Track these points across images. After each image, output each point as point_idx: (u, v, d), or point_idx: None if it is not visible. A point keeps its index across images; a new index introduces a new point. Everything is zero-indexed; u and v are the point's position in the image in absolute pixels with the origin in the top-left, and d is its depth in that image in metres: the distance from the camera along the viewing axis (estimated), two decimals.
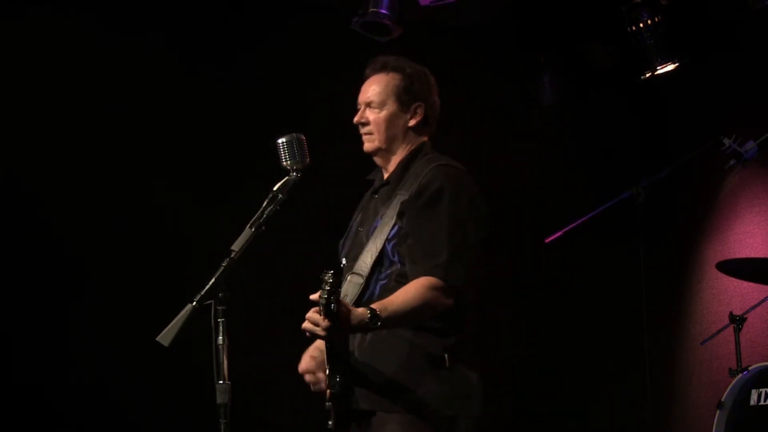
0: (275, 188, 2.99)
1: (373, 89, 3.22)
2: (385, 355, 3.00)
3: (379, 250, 3.04)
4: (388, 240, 3.05)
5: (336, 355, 2.98)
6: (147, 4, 5.45)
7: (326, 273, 2.64)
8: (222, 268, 2.81)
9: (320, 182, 3.82)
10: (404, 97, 3.19)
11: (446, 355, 2.99)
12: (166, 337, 2.74)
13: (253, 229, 2.90)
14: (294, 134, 3.04)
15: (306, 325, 2.80)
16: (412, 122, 3.21)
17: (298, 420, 3.38)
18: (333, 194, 3.86)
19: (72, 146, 5.23)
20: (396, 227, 3.05)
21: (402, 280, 2.99)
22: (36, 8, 5.21)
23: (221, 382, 2.76)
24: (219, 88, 5.54)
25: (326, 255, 3.27)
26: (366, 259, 3.07)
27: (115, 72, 5.33)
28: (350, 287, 3.06)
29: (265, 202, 2.96)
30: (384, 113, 3.20)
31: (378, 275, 3.06)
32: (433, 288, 2.91)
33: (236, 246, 2.86)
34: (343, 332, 2.89)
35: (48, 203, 5.14)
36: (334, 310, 2.68)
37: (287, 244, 4.79)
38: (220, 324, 2.78)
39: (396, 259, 3.04)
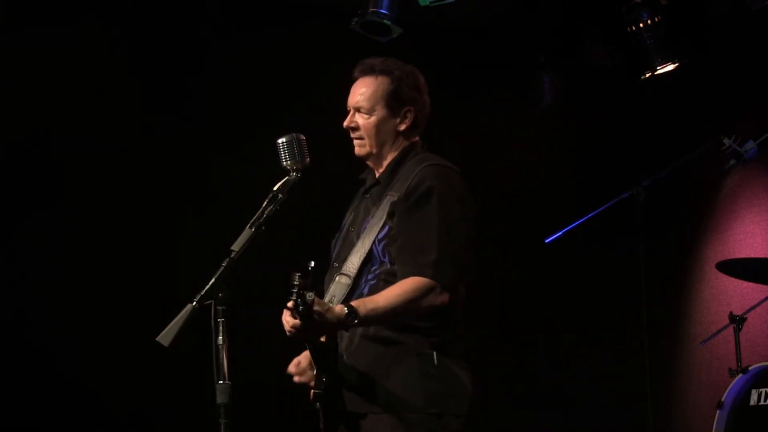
0: (275, 188, 2.99)
1: (361, 93, 3.20)
2: (372, 356, 3.00)
3: (367, 251, 3.05)
4: (377, 240, 3.05)
5: (321, 355, 2.98)
6: (147, 3, 5.46)
7: (294, 275, 2.65)
8: (222, 268, 2.81)
9: (321, 182, 3.82)
10: (393, 103, 3.17)
11: (434, 353, 2.99)
12: (166, 337, 2.73)
13: (253, 229, 2.90)
14: (294, 134, 3.04)
15: (286, 327, 2.86)
16: (402, 127, 3.20)
17: (298, 420, 3.38)
18: (333, 194, 3.85)
19: (72, 146, 5.24)
20: (386, 228, 3.05)
21: (391, 279, 2.99)
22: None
23: (221, 382, 2.76)
24: (219, 88, 5.55)
25: (323, 254, 3.28)
26: (354, 260, 3.07)
27: (113, 70, 5.34)
28: (338, 288, 3.07)
29: (265, 202, 2.96)
30: (373, 119, 3.18)
31: (367, 275, 3.06)
32: (422, 287, 2.91)
33: (236, 246, 2.86)
34: (321, 331, 2.88)
35: (48, 203, 5.15)
36: (303, 312, 2.69)
37: (287, 243, 4.80)
38: (220, 324, 2.78)
39: (386, 259, 3.04)
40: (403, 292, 2.90)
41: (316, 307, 2.73)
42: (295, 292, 2.66)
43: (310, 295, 2.67)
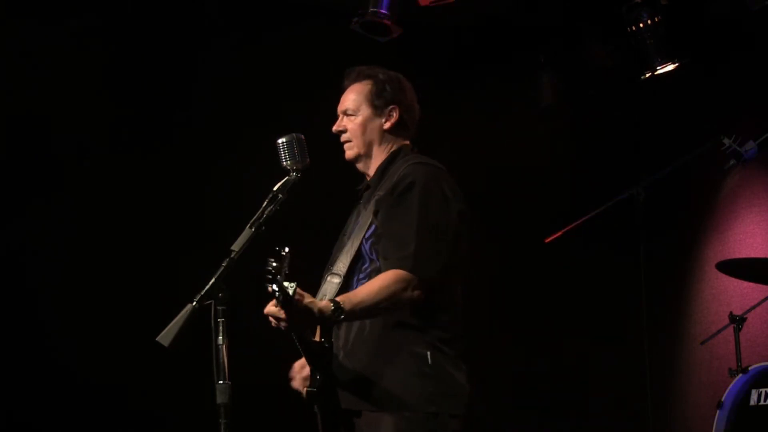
0: (275, 188, 3.00)
1: (348, 98, 3.27)
2: (367, 355, 3.01)
3: (356, 250, 3.08)
4: (365, 239, 3.08)
5: (316, 355, 2.97)
6: (147, 3, 5.46)
7: (268, 261, 2.66)
8: (222, 268, 2.81)
9: (321, 182, 3.82)
10: (377, 102, 3.24)
11: (428, 353, 3.00)
12: (166, 337, 2.73)
13: (253, 229, 2.90)
14: (294, 134, 3.06)
15: (267, 312, 2.83)
16: (387, 125, 3.24)
17: (298, 420, 3.38)
18: (333, 194, 3.86)
19: (72, 145, 5.24)
20: (373, 226, 3.08)
21: None
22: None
23: (221, 382, 2.76)
24: (219, 88, 5.55)
25: (323, 255, 3.29)
26: (344, 260, 3.10)
27: (113, 69, 5.34)
28: (329, 287, 3.10)
29: (265, 202, 2.96)
30: (359, 119, 3.24)
31: (358, 275, 3.08)
32: (400, 279, 2.92)
33: (236, 246, 2.86)
34: (304, 322, 2.87)
35: (47, 203, 5.15)
36: (280, 298, 2.68)
37: (287, 243, 4.80)
38: (220, 324, 2.78)
39: (375, 257, 3.06)
40: (385, 284, 2.91)
41: (297, 297, 2.72)
42: (270, 277, 2.66)
43: (292, 286, 2.68)
